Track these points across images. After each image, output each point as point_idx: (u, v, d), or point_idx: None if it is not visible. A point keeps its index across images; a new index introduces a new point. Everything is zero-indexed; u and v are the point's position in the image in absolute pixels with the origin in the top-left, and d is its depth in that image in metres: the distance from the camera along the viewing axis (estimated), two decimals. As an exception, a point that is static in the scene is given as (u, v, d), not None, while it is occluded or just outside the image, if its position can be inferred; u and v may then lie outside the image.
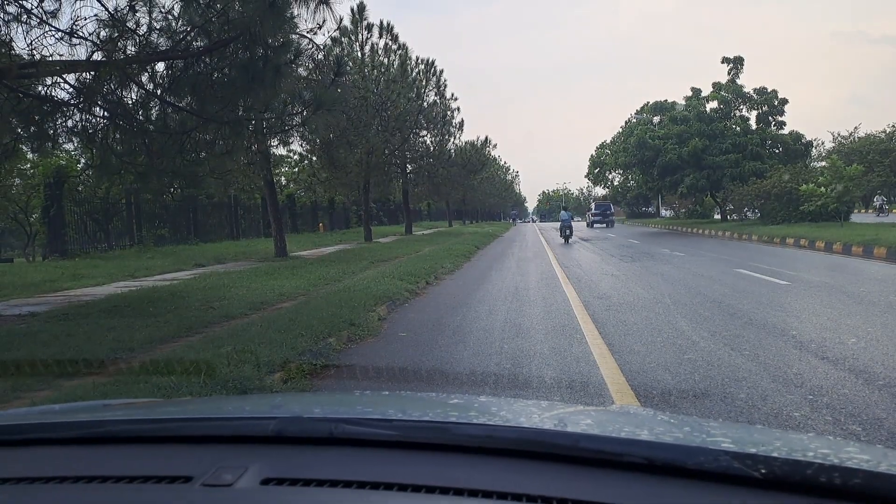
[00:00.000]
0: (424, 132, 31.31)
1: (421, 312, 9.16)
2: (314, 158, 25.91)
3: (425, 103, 29.66)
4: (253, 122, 10.67)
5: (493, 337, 7.04)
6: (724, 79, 43.26)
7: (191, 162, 9.62)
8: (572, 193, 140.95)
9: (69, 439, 1.34)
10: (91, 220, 20.26)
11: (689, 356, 5.92)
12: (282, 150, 29.96)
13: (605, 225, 54.07)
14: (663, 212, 70.69)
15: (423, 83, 29.36)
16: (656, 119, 48.26)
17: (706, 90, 44.41)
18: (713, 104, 43.57)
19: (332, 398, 2.24)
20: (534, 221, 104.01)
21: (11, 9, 7.12)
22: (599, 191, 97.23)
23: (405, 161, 31.78)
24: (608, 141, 77.22)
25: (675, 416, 1.78)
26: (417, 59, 29.11)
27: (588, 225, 56.58)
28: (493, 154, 55.29)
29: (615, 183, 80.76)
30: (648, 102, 50.47)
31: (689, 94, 45.20)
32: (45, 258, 18.32)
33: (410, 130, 28.47)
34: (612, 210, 58.79)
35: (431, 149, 32.50)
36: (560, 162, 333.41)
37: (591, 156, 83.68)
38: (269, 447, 1.23)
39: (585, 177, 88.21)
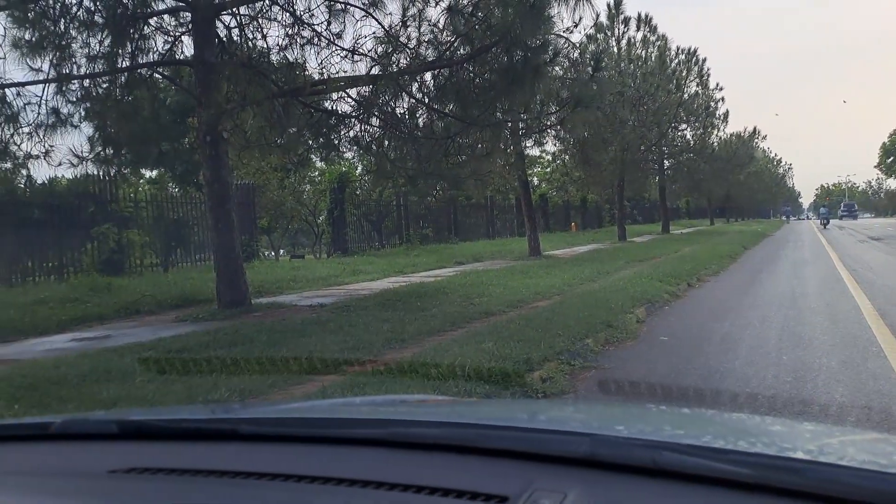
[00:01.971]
0: (684, 125, 29.70)
1: (682, 316, 8.65)
2: (567, 158, 25.93)
3: (686, 95, 28.11)
4: (510, 123, 10.98)
5: (769, 346, 6.38)
6: None
7: (453, 165, 10.18)
8: (857, 187, 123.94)
9: (372, 440, 1.29)
10: (366, 221, 22.44)
11: None
12: (535, 151, 30.43)
13: (851, 218, 70.22)
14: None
15: (684, 74, 27.84)
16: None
17: None
18: None
19: (626, 412, 2.01)
20: (809, 219, 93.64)
21: (306, 33, 8.11)
22: (892, 182, 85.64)
23: (662, 157, 30.47)
24: (906, 125, 66.84)
25: None
26: (678, 50, 27.70)
27: (839, 218, 71.25)
28: (761, 146, 50.94)
29: (915, 173, 69.51)
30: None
31: None
32: (329, 255, 20.66)
33: (669, 124, 27.17)
34: (857, 208, 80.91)
35: (692, 143, 30.72)
36: (842, 152, 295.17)
37: (883, 144, 73.24)
38: (580, 470, 1.10)
39: (875, 167, 77.23)
